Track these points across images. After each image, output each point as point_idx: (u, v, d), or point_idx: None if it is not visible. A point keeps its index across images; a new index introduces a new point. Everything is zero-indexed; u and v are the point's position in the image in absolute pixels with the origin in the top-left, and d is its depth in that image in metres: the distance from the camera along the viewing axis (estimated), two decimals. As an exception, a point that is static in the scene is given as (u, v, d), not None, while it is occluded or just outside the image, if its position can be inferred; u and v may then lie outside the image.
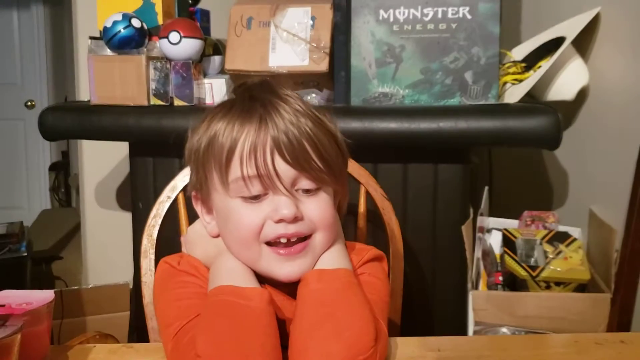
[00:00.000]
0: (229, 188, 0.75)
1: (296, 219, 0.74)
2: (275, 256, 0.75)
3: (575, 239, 1.44)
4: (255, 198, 0.74)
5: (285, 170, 0.73)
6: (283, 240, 0.75)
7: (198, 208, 0.84)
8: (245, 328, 0.69)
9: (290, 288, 0.79)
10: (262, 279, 0.79)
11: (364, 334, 0.70)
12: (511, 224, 1.55)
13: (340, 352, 0.69)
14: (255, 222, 0.74)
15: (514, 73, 1.53)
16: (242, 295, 0.72)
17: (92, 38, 1.54)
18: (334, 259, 0.78)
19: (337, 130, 0.79)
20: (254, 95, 0.77)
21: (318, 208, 0.76)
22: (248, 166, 0.72)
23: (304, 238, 0.76)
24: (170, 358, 0.75)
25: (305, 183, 0.74)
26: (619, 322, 1.31)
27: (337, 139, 0.78)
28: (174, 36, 1.47)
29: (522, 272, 1.37)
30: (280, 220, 0.73)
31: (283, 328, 0.77)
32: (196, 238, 0.85)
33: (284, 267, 0.76)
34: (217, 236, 0.82)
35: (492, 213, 1.60)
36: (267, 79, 0.81)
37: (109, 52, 1.52)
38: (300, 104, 0.76)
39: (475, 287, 1.39)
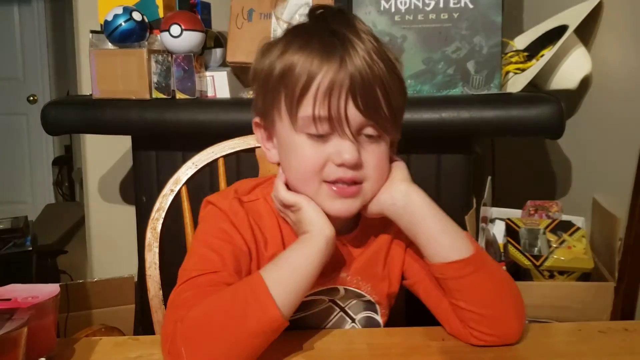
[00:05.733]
0: (297, 123, 0.75)
1: (356, 166, 0.75)
2: (330, 193, 0.77)
3: (578, 228, 1.44)
4: (321, 136, 0.75)
5: (355, 116, 0.74)
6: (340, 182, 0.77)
7: (258, 134, 0.85)
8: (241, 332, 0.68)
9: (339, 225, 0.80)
10: None
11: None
12: (514, 213, 1.56)
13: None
14: (318, 162, 0.76)
15: (516, 62, 1.53)
16: (258, 301, 0.69)
17: (93, 32, 1.54)
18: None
19: (401, 70, 0.79)
20: (334, 29, 0.76)
21: (376, 157, 0.77)
22: (321, 107, 0.73)
23: (358, 183, 0.78)
24: (168, 302, 0.75)
25: (370, 130, 0.76)
26: (623, 310, 1.31)
27: (402, 80, 0.79)
28: (175, 29, 1.47)
29: (525, 262, 1.37)
30: (341, 164, 0.75)
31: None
32: None
33: (335, 204, 0.77)
34: (277, 163, 0.83)
35: (495, 203, 1.60)
36: (343, 8, 0.81)
37: (110, 45, 1.52)
38: (374, 44, 0.76)
39: (479, 276, 1.39)
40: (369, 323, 0.89)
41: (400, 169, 0.82)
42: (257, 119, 0.84)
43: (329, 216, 0.78)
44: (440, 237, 0.78)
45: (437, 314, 0.83)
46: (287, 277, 0.72)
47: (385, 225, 0.87)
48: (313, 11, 0.81)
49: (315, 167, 0.76)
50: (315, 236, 0.76)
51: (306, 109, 0.74)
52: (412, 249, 0.86)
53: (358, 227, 0.87)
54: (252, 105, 0.84)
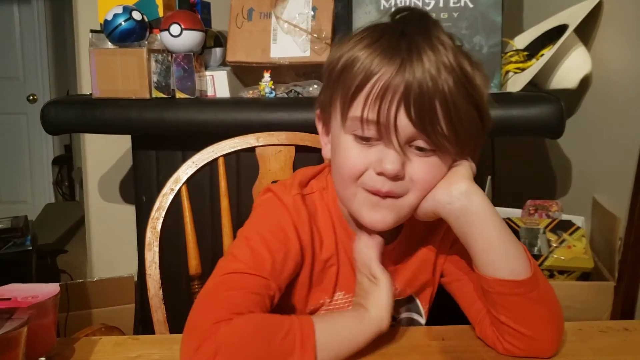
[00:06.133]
0: (346, 123, 0.73)
1: (396, 178, 0.71)
2: (366, 199, 0.74)
3: (578, 228, 1.44)
4: (367, 140, 0.72)
5: (405, 126, 0.69)
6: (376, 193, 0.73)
7: (319, 127, 0.82)
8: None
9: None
10: (352, 224, 0.80)
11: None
12: (514, 213, 1.55)
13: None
14: (359, 166, 0.73)
15: (516, 62, 1.53)
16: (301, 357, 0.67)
17: (93, 31, 1.54)
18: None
19: (483, 95, 0.74)
20: (406, 32, 0.72)
21: (424, 171, 0.72)
22: (370, 110, 0.69)
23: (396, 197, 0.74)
24: (209, 287, 0.72)
25: (422, 143, 0.71)
26: (623, 309, 1.31)
27: (479, 104, 0.73)
28: (175, 28, 1.47)
29: (525, 261, 1.37)
30: (380, 173, 0.71)
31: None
32: None
33: (369, 214, 0.74)
34: (329, 159, 0.80)
35: (495, 202, 1.58)
36: (427, 13, 0.76)
37: (110, 45, 1.52)
38: (449, 57, 0.70)
39: (479, 276, 1.39)
40: (411, 324, 0.88)
41: (463, 167, 0.76)
42: (318, 111, 0.82)
43: (367, 226, 0.76)
44: (497, 250, 0.73)
45: (469, 314, 0.81)
46: (335, 345, 0.70)
47: (430, 231, 0.84)
48: (396, 12, 0.76)
49: (355, 171, 0.73)
50: (372, 323, 0.73)
51: (356, 110, 0.71)
52: (456, 248, 0.84)
53: (398, 238, 0.84)
54: (317, 99, 0.82)
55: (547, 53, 1.48)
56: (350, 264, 0.82)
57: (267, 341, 0.65)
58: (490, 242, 0.73)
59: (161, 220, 1.04)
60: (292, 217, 0.78)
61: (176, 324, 0.99)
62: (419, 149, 0.72)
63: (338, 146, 0.75)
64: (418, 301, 0.89)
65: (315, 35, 1.49)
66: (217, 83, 1.57)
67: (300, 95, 1.53)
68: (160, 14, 1.54)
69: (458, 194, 0.73)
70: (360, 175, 0.73)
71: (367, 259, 0.77)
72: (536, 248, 1.43)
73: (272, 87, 1.52)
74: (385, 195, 0.73)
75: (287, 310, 0.80)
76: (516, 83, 1.47)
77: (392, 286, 0.75)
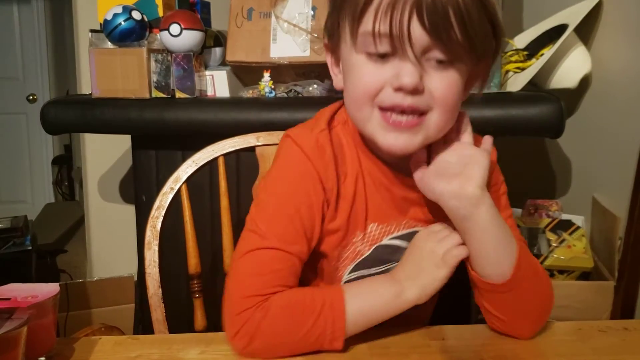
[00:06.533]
0: (357, 41, 0.70)
1: (416, 91, 0.68)
2: (382, 122, 0.71)
3: (578, 227, 1.44)
4: (381, 57, 0.69)
5: (419, 35, 0.66)
6: (397, 110, 0.70)
7: (328, 58, 0.80)
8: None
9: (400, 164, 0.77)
10: (377, 153, 0.78)
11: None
12: (514, 212, 1.55)
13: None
14: (374, 84, 0.70)
15: (516, 61, 1.53)
16: (333, 335, 0.71)
17: (92, 31, 1.54)
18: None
19: (497, 11, 0.71)
20: None
21: (443, 85, 0.69)
22: (382, 22, 0.66)
23: (419, 114, 0.70)
24: (233, 266, 0.74)
25: (438, 54, 0.68)
26: (623, 309, 1.31)
27: (492, 17, 0.70)
28: (174, 28, 1.47)
29: (525, 261, 1.37)
30: (399, 89, 0.68)
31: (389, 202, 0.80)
32: None
33: (387, 137, 0.71)
34: (341, 90, 0.77)
35: (495, 202, 1.60)
36: None
37: (110, 45, 1.52)
38: None
39: (479, 276, 1.39)
40: None
41: (479, 167, 0.74)
42: (325, 40, 0.79)
43: (384, 151, 0.74)
44: (490, 256, 0.74)
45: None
46: (365, 320, 0.73)
47: None
48: None
49: (370, 89, 0.70)
50: (408, 301, 0.74)
51: (366, 24, 0.68)
52: None
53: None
54: (324, 29, 0.80)
55: (547, 53, 1.48)
56: (379, 192, 0.80)
57: (299, 325, 0.70)
58: (485, 248, 0.74)
59: (161, 219, 1.04)
60: (314, 164, 0.76)
61: (175, 323, 0.99)
62: (438, 62, 0.69)
63: (350, 68, 0.72)
64: None
65: (315, 34, 1.49)
66: (217, 83, 1.57)
67: (300, 95, 1.53)
68: (160, 13, 1.54)
69: (467, 203, 0.72)
70: (376, 94, 0.70)
71: (455, 249, 0.76)
72: (536, 248, 1.43)
73: (272, 86, 1.52)
74: (409, 110, 0.69)
75: (322, 257, 0.81)
76: (516, 83, 1.47)
77: (450, 269, 0.75)
